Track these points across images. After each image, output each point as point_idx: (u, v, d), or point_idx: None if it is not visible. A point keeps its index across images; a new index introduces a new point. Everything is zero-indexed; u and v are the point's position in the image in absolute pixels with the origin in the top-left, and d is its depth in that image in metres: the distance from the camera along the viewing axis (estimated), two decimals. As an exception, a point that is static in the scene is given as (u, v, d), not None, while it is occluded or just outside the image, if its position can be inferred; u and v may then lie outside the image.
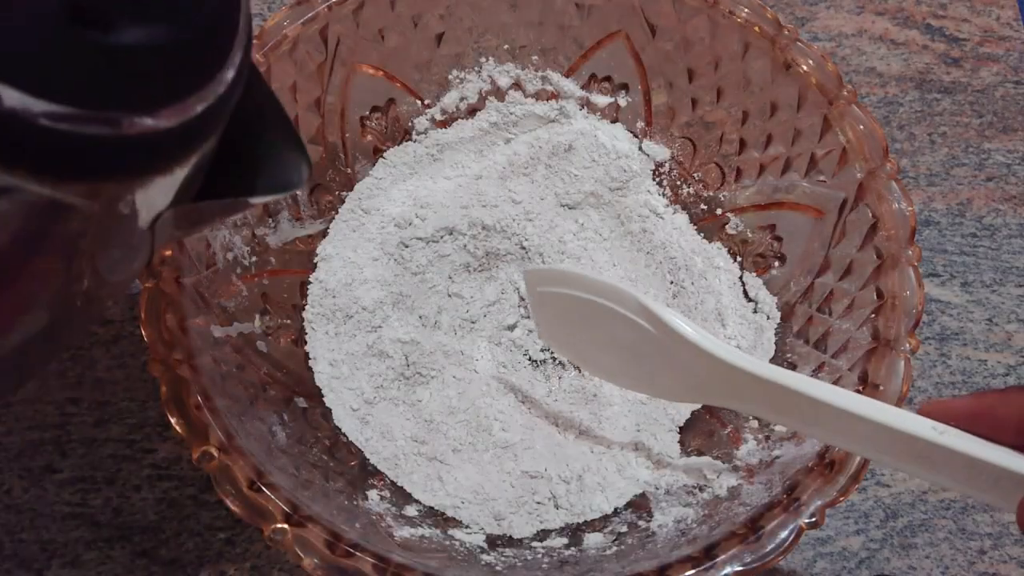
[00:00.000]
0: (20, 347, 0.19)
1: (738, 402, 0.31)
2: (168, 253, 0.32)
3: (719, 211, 0.43)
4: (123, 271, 0.21)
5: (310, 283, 0.40)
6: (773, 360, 0.38)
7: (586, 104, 0.45)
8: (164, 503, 0.38)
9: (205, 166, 0.19)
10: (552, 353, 0.41)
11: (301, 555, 0.28)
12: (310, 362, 0.39)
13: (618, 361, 0.34)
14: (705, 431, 0.38)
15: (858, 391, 0.33)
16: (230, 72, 0.19)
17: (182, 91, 0.17)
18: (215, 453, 0.29)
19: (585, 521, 0.36)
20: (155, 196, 0.18)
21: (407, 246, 0.42)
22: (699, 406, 0.39)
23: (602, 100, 0.45)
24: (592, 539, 0.34)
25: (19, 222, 0.16)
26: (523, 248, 0.42)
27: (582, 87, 0.45)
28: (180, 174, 0.18)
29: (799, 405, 0.28)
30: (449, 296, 0.42)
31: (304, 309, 0.40)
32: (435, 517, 0.35)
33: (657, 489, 0.36)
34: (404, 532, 0.33)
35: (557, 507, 0.36)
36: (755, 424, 0.36)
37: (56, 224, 0.16)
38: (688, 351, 0.30)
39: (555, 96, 0.45)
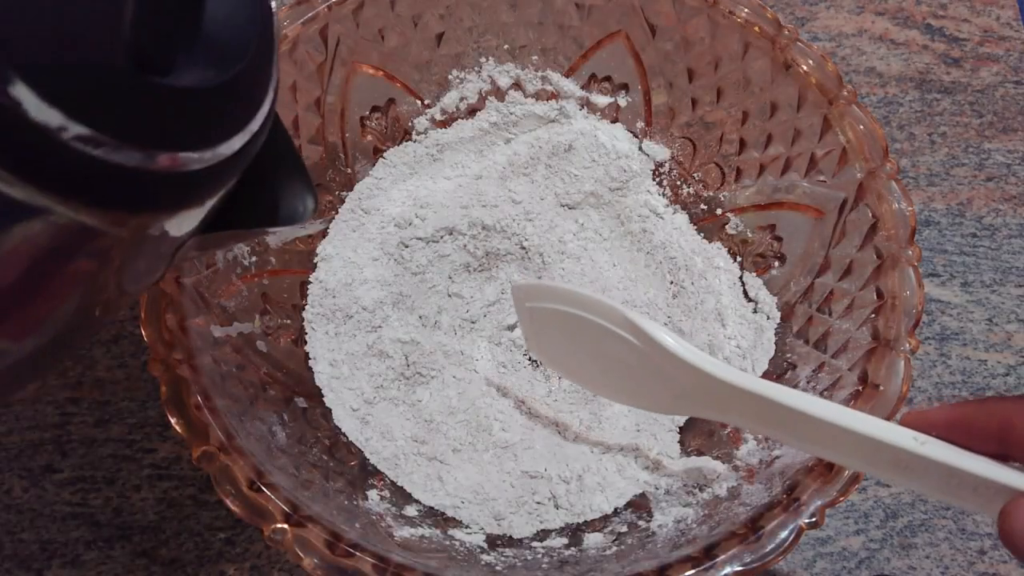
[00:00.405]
0: (36, 351, 0.19)
1: (723, 414, 0.31)
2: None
3: (719, 211, 0.43)
4: (142, 284, 0.22)
5: (310, 283, 0.40)
6: (773, 360, 0.38)
7: (586, 104, 0.45)
8: (164, 503, 0.38)
9: (227, 198, 0.20)
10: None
11: (301, 555, 0.28)
12: (310, 362, 0.39)
13: (607, 374, 0.35)
14: (705, 431, 0.38)
15: (858, 391, 0.33)
16: (264, 112, 0.20)
17: (227, 130, 0.19)
18: (215, 453, 0.29)
19: (585, 521, 0.36)
20: (183, 224, 0.19)
21: (407, 246, 0.42)
22: (699, 406, 0.39)
23: (602, 100, 0.45)
24: (592, 539, 0.34)
25: (56, 240, 0.16)
26: (523, 248, 0.42)
27: (582, 87, 0.45)
28: (209, 205, 0.19)
29: (783, 417, 0.28)
30: (449, 296, 0.42)
31: (304, 309, 0.40)
32: (435, 517, 0.35)
33: (657, 489, 0.36)
34: (404, 532, 0.33)
35: (557, 507, 0.36)
36: (755, 424, 0.36)
37: (89, 244, 0.17)
38: (674, 364, 0.31)
39: (555, 96, 0.45)
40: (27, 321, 0.18)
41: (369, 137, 0.43)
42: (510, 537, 0.35)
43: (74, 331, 0.20)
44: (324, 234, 0.42)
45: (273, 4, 0.21)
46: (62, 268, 0.17)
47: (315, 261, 0.41)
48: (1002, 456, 0.25)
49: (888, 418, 0.31)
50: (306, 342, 0.39)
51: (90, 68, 0.15)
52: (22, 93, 0.14)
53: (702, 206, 0.44)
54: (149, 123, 0.17)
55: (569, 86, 0.44)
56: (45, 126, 0.15)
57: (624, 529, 0.35)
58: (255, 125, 0.20)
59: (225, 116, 0.19)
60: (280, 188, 0.24)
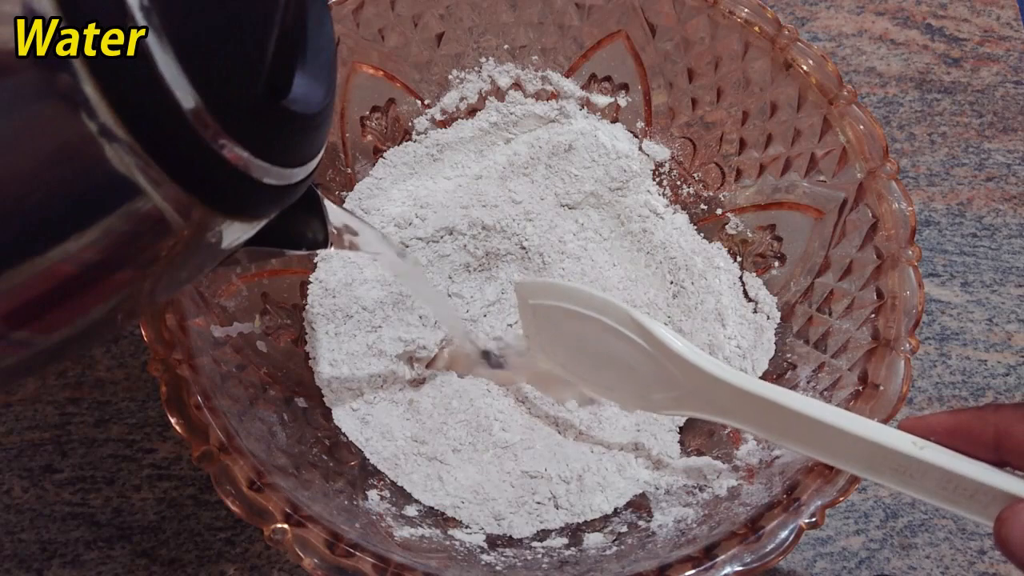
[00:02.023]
0: (68, 340, 0.20)
1: (725, 416, 0.31)
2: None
3: (719, 211, 0.43)
4: (178, 289, 0.24)
5: (310, 283, 0.40)
6: (773, 360, 0.38)
7: (586, 104, 0.45)
8: (164, 503, 0.38)
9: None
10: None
11: (301, 555, 0.27)
12: (310, 362, 0.39)
13: (609, 374, 0.35)
14: (705, 431, 0.38)
15: (858, 391, 0.33)
16: (326, 140, 0.23)
17: (311, 152, 0.21)
18: (215, 453, 0.29)
19: (585, 521, 0.36)
20: (238, 233, 0.20)
21: (407, 246, 0.42)
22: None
23: (602, 100, 0.45)
24: (592, 539, 0.34)
25: (131, 229, 0.17)
26: (523, 248, 0.42)
27: (582, 87, 0.45)
28: (264, 221, 0.21)
29: (785, 419, 0.28)
30: (449, 296, 0.42)
31: (304, 309, 0.40)
32: (435, 517, 0.35)
33: (657, 489, 0.36)
34: (404, 532, 0.33)
35: (557, 507, 0.36)
36: (755, 424, 0.36)
37: (155, 241, 0.18)
38: (678, 365, 0.31)
39: (555, 96, 0.45)
40: (64, 316, 0.19)
41: (369, 137, 0.43)
42: (510, 537, 0.35)
43: (107, 325, 0.21)
44: (324, 234, 0.42)
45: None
46: (119, 265, 0.18)
47: (315, 261, 0.41)
48: (1000, 463, 0.25)
49: (888, 418, 0.31)
50: (306, 342, 0.39)
51: (238, 77, 0.17)
52: (169, 66, 0.16)
53: (702, 206, 0.44)
54: (262, 135, 0.19)
55: (569, 86, 0.44)
56: (183, 108, 0.16)
57: (624, 529, 0.34)
58: (321, 154, 0.22)
59: (313, 140, 0.21)
60: (300, 216, 0.27)
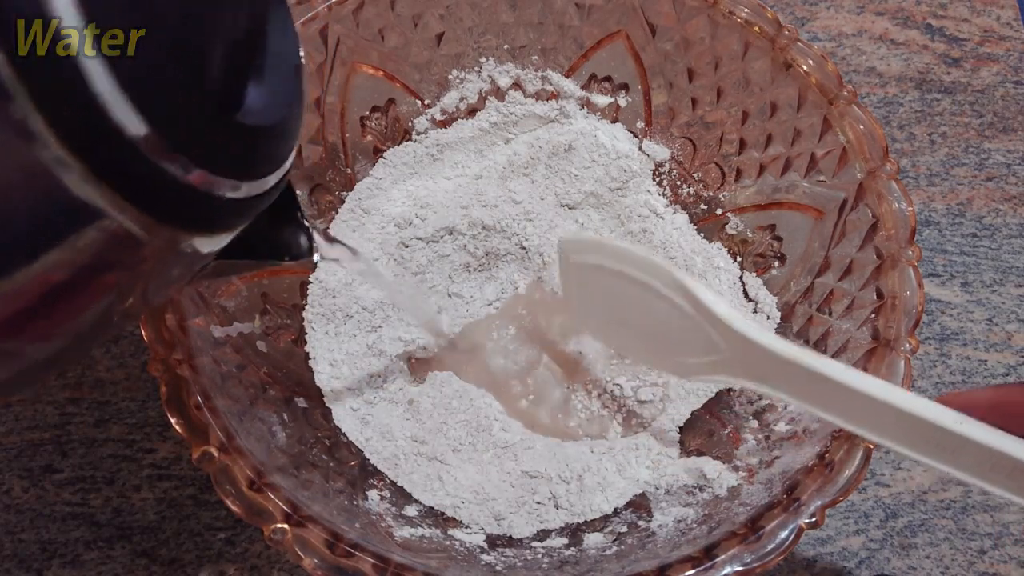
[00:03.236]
0: (55, 354, 0.20)
1: (762, 383, 0.30)
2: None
3: (719, 211, 0.43)
4: (159, 299, 0.24)
5: (310, 283, 0.40)
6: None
7: (586, 104, 0.45)
8: (164, 503, 0.38)
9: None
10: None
11: (301, 555, 0.27)
12: (310, 362, 0.39)
13: (644, 337, 0.34)
14: (705, 431, 0.38)
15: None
16: (294, 152, 0.23)
17: (273, 164, 0.21)
18: (215, 453, 0.29)
19: (585, 521, 0.36)
20: (210, 246, 0.20)
21: (407, 246, 0.42)
22: (699, 406, 0.39)
23: (602, 100, 0.45)
24: (592, 539, 0.34)
25: (103, 248, 0.17)
26: (523, 248, 0.42)
27: (582, 87, 0.45)
28: (235, 233, 0.21)
29: (826, 389, 0.27)
30: (449, 296, 0.42)
31: (304, 309, 0.40)
32: (435, 517, 0.35)
33: (657, 489, 0.36)
34: (404, 532, 0.33)
35: (557, 507, 0.36)
36: (755, 424, 0.36)
37: (127, 255, 0.18)
38: (720, 329, 0.30)
39: (555, 96, 0.45)
40: (54, 326, 0.19)
41: (369, 137, 0.43)
42: (510, 537, 0.35)
43: (91, 336, 0.21)
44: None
45: (302, 54, 0.23)
46: (99, 276, 0.18)
47: (315, 261, 0.41)
48: None
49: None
50: (306, 342, 0.39)
51: (184, 97, 0.17)
52: (112, 97, 0.16)
53: (702, 206, 0.44)
54: (218, 151, 0.18)
55: (569, 86, 0.44)
56: (130, 135, 0.16)
57: (624, 529, 0.34)
58: (289, 163, 0.22)
59: (278, 149, 0.21)
60: (279, 226, 0.26)
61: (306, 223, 0.28)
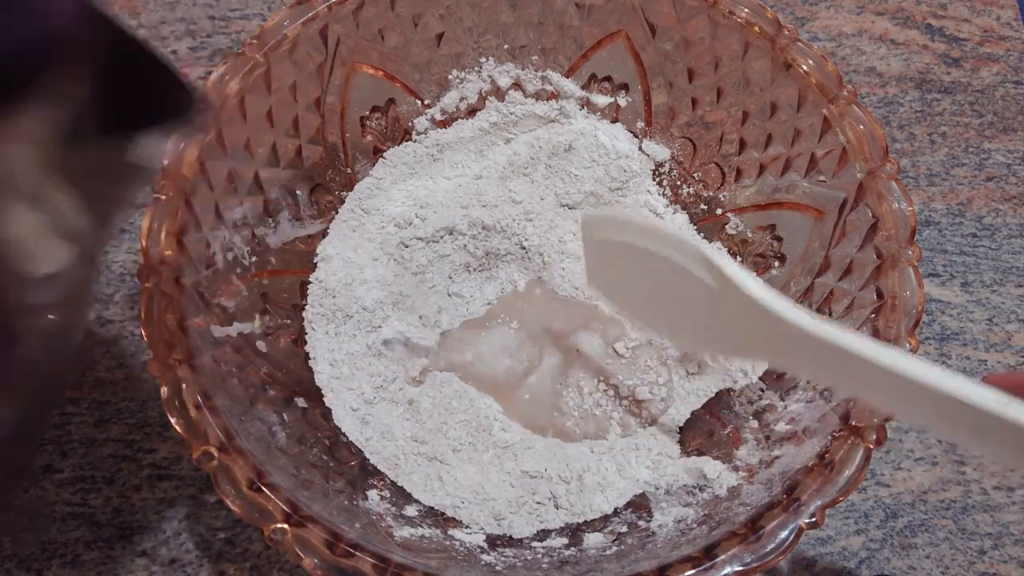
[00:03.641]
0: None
1: (791, 362, 0.30)
2: (168, 253, 0.32)
3: (719, 211, 0.43)
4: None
5: (310, 283, 0.40)
6: (773, 360, 0.38)
7: (586, 104, 0.45)
8: (164, 503, 0.38)
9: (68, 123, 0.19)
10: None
11: (301, 555, 0.27)
12: (310, 362, 0.39)
13: (669, 313, 0.33)
14: (705, 431, 0.38)
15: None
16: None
17: None
18: (215, 453, 0.29)
19: (585, 521, 0.36)
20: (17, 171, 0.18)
21: (407, 246, 0.42)
22: (699, 406, 0.39)
23: (602, 100, 0.45)
24: (592, 539, 0.34)
25: None
26: (523, 248, 0.42)
27: (582, 87, 0.45)
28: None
29: (861, 370, 0.26)
30: (449, 296, 0.42)
31: (304, 309, 0.40)
32: (435, 517, 0.35)
33: (657, 489, 0.36)
34: (404, 532, 0.33)
35: (557, 507, 0.36)
36: (755, 424, 0.36)
37: None
38: (749, 308, 0.29)
39: (555, 96, 0.45)
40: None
41: (369, 137, 0.43)
42: (510, 537, 0.35)
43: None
44: (324, 234, 0.42)
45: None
46: None
47: (315, 261, 0.41)
48: None
49: (886, 419, 0.31)
50: (306, 342, 0.39)
51: None
52: None
53: (702, 206, 0.44)
54: None
55: (569, 86, 0.44)
56: None
57: (624, 529, 0.34)
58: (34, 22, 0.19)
59: None
60: (148, 96, 0.22)
61: (180, 80, 0.23)
